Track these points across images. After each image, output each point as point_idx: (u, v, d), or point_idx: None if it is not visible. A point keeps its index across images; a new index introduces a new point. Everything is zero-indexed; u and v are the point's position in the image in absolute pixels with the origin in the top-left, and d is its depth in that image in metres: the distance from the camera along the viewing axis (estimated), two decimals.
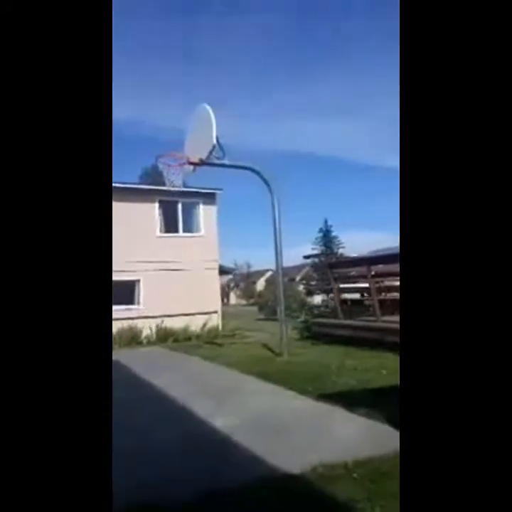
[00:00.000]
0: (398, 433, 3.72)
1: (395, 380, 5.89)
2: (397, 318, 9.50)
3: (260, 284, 49.60)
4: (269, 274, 46.35)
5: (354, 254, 27.25)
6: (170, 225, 14.09)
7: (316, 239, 34.68)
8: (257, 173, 8.95)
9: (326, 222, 34.73)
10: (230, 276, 47.85)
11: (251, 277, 55.16)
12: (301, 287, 29.02)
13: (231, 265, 34.40)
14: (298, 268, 39.20)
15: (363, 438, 3.74)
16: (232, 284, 55.75)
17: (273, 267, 9.93)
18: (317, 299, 20.29)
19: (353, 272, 12.16)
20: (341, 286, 11.90)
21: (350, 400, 4.81)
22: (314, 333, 10.99)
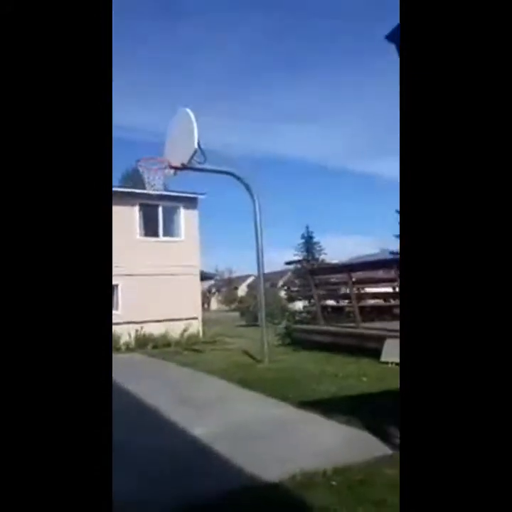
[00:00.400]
0: (377, 440, 3.74)
1: (375, 386, 5.92)
2: (377, 324, 9.58)
3: (242, 290, 49.50)
4: (251, 279, 46.33)
5: (335, 261, 27.53)
6: (150, 229, 13.94)
7: (298, 245, 34.90)
8: (239, 178, 8.94)
9: (307, 228, 35.00)
10: (212, 282, 47.66)
11: (233, 283, 55.05)
12: (282, 293, 29.06)
13: (212, 271, 34.25)
14: (280, 274, 39.29)
15: (342, 445, 3.73)
16: (213, 290, 55.52)
17: (255, 272, 9.90)
18: (299, 304, 20.33)
19: (334, 278, 12.24)
20: (322, 292, 11.96)
21: (330, 407, 4.79)
22: (295, 339, 10.99)
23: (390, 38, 2.71)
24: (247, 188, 8.93)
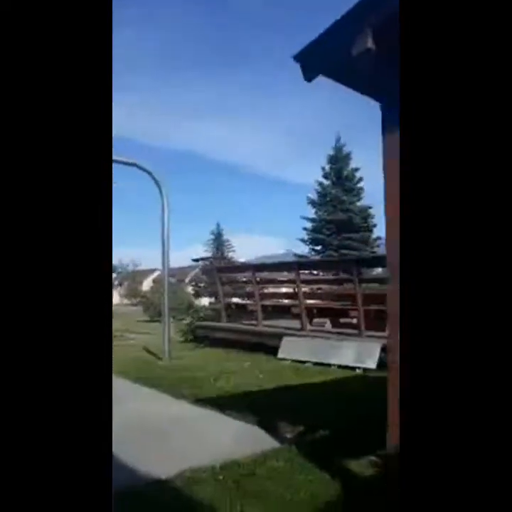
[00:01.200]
0: (266, 434, 3.94)
1: (270, 382, 6.19)
2: (277, 322, 9.99)
3: (147, 284, 48.09)
4: (156, 274, 45.20)
5: (243, 259, 28.06)
6: None
7: (208, 241, 34.97)
8: (145, 170, 8.72)
9: (218, 225, 35.20)
10: (114, 275, 45.69)
11: (137, 276, 53.25)
12: (190, 289, 28.88)
13: (116, 263, 32.85)
14: (188, 269, 38.92)
15: (233, 441, 3.86)
16: (116, 283, 53.25)
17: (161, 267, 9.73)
18: (205, 301, 20.38)
19: (241, 276, 12.49)
20: (229, 290, 12.16)
21: (225, 403, 4.92)
22: (198, 336, 11.03)
23: (297, 58, 2.76)
24: (156, 181, 8.76)
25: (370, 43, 2.34)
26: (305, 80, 2.68)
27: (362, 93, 2.90)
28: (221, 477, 2.97)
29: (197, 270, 34.24)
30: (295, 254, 25.30)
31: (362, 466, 3.07)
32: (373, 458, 3.08)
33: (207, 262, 27.86)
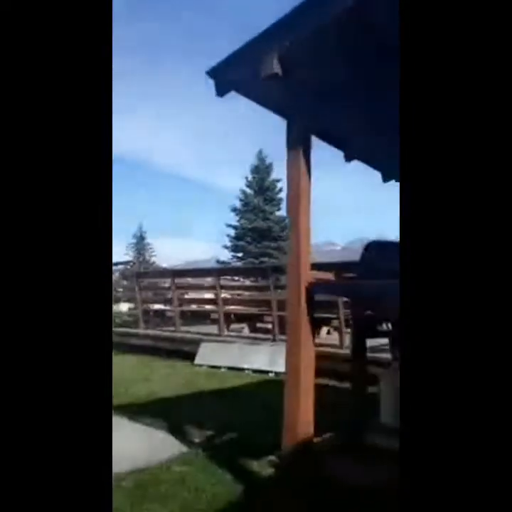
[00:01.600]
0: (175, 440, 3.96)
1: (184, 389, 6.20)
2: (196, 328, 10.00)
3: None
4: None
5: (165, 264, 27.63)
6: None
7: (129, 244, 33.96)
8: None
9: (140, 228, 34.34)
10: None
11: None
12: None
13: None
14: None
15: (142, 447, 3.83)
16: None
17: None
18: (124, 307, 19.73)
19: (162, 282, 12.31)
20: (150, 296, 11.96)
21: (137, 410, 4.86)
22: (113, 343, 10.68)
23: (210, 73, 2.86)
24: None
25: (276, 67, 2.52)
26: (217, 95, 2.80)
27: (271, 110, 3.08)
28: (124, 484, 2.95)
29: (117, 274, 33.02)
30: (217, 261, 25.45)
31: (262, 466, 3.22)
32: (273, 458, 3.23)
33: (127, 266, 26.99)
